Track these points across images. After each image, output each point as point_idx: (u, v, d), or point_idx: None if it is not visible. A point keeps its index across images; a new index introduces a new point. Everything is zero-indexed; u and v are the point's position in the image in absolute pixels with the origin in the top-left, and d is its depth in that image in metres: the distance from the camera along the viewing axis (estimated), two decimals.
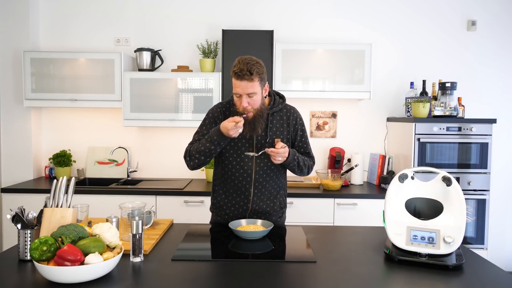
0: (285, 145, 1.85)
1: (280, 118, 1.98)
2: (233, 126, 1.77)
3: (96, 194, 3.00)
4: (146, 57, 3.37)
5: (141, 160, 3.60)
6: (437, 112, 3.10)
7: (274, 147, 1.86)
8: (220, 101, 3.21)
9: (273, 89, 3.20)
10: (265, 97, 1.92)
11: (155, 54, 3.43)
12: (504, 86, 3.58)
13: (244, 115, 1.83)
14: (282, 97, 2.05)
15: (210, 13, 3.54)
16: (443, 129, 3.05)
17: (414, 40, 3.55)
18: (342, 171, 3.26)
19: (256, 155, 1.88)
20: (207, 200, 3.00)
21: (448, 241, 1.47)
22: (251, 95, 1.80)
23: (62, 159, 3.42)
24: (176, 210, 3.00)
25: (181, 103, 3.24)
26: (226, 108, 1.99)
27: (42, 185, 3.21)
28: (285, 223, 2.15)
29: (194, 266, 1.47)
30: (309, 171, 2.04)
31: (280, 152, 1.81)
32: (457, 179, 3.04)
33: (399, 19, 3.54)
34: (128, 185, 3.25)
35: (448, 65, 3.56)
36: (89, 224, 1.76)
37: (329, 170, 3.20)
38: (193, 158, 1.92)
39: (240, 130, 1.81)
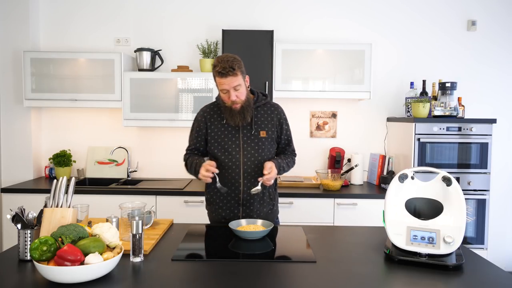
0: (271, 163, 1.96)
1: (264, 113, 2.11)
2: (206, 177, 1.94)
3: (96, 194, 3.00)
4: (146, 57, 3.37)
5: (141, 160, 3.60)
6: (437, 112, 3.10)
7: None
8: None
9: (273, 89, 3.22)
10: (248, 88, 2.07)
11: (155, 54, 3.43)
12: (504, 86, 3.58)
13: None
14: (265, 95, 2.18)
15: (210, 13, 3.54)
16: (443, 129, 3.05)
17: (414, 40, 3.55)
18: (342, 171, 3.26)
19: (260, 188, 1.96)
20: None
21: (448, 241, 1.47)
22: (237, 87, 1.95)
23: (62, 159, 3.42)
24: (176, 210, 3.00)
25: (181, 103, 3.24)
26: (211, 109, 2.14)
27: (42, 185, 3.21)
28: (286, 223, 2.15)
29: (194, 266, 1.47)
30: (291, 168, 2.18)
31: (272, 175, 1.93)
32: (457, 179, 3.04)
33: (399, 19, 3.54)
34: (128, 185, 3.25)
35: (448, 65, 3.56)
36: (89, 224, 1.76)
37: (329, 170, 3.20)
38: (188, 171, 2.12)
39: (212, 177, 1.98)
